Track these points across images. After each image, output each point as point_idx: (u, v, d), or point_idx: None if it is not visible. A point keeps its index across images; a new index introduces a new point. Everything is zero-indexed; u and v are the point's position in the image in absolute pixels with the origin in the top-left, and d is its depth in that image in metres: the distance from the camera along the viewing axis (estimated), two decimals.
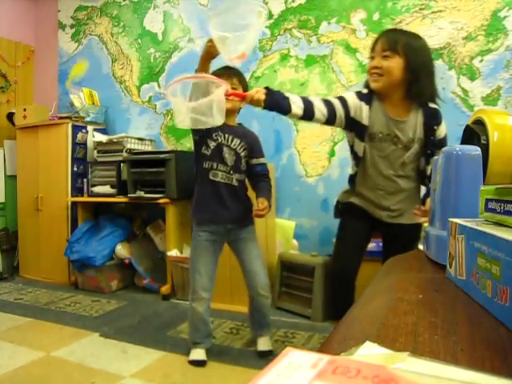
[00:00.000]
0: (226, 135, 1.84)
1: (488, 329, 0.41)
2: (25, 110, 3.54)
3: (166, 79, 3.49)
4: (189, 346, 1.93)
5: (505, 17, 2.42)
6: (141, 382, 1.78)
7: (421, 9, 2.61)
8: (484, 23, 2.47)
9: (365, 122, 1.55)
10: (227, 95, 1.43)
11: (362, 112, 1.55)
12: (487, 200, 0.56)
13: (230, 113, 1.76)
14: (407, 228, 1.61)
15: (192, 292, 1.88)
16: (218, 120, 1.38)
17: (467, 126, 0.84)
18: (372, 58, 1.54)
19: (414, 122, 1.54)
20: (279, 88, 3.02)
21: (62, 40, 4.03)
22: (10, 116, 3.67)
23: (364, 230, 1.67)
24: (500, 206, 0.52)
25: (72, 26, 3.97)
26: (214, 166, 1.83)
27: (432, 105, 1.55)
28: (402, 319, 0.45)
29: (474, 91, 2.50)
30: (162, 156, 2.90)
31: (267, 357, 1.90)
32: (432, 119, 1.54)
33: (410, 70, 1.48)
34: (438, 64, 2.57)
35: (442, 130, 1.56)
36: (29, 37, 4.10)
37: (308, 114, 1.50)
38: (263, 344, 1.97)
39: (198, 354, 1.88)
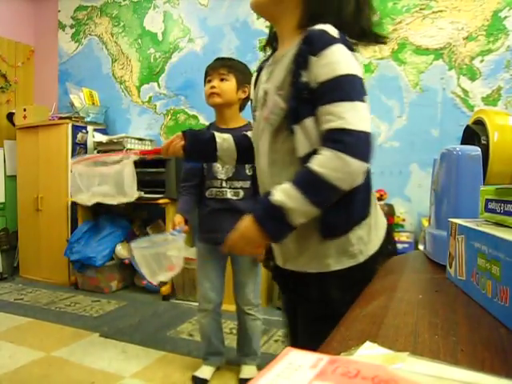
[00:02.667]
0: None
1: (488, 329, 0.41)
2: (25, 110, 3.54)
3: (166, 79, 3.50)
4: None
5: (505, 17, 2.42)
6: (141, 382, 1.78)
7: (421, 9, 2.61)
8: (484, 23, 2.47)
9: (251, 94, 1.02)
10: (140, 153, 1.27)
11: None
12: (487, 200, 0.56)
13: (223, 108, 1.63)
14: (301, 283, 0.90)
15: (198, 303, 1.84)
16: (132, 195, 1.32)
17: (467, 127, 0.84)
18: None
19: (288, 59, 0.82)
20: None
21: (61, 40, 4.03)
22: (10, 116, 3.67)
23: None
24: (500, 207, 0.52)
25: (72, 26, 3.97)
26: (214, 183, 1.65)
27: (319, 26, 0.78)
28: (402, 319, 0.45)
29: (475, 91, 2.50)
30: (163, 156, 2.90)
31: None
32: (304, 46, 0.78)
33: None
34: (439, 64, 2.58)
35: (320, 66, 0.76)
36: (29, 37, 4.10)
37: (244, 147, 1.07)
38: (247, 373, 1.77)
39: (202, 371, 1.81)
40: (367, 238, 0.85)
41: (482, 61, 2.48)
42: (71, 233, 3.24)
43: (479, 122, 0.79)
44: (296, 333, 0.96)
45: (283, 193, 0.74)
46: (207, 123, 1.89)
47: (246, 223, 0.78)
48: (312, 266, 0.84)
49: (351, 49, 0.80)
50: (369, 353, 0.30)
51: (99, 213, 3.39)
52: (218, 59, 1.70)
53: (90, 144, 3.42)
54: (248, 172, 1.64)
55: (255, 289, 1.76)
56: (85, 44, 3.90)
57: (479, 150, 0.68)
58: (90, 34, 3.88)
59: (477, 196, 0.59)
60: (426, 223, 2.30)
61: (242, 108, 1.70)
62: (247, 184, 1.64)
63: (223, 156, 1.09)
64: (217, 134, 1.08)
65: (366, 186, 0.83)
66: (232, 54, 3.18)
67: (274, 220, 0.75)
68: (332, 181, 0.72)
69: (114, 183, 1.24)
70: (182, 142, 1.05)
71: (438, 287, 0.57)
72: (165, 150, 1.09)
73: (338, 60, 0.76)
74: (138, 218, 3.37)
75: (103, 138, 3.31)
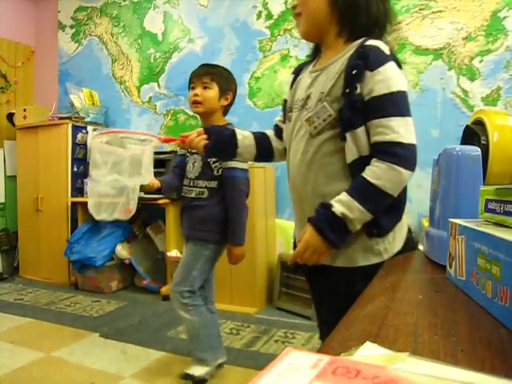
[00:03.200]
0: None
1: (488, 329, 0.41)
2: (25, 110, 3.54)
3: (165, 79, 3.50)
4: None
5: (504, 17, 2.42)
6: (141, 383, 1.78)
7: (421, 9, 2.61)
8: (484, 23, 2.47)
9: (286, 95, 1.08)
10: (163, 140, 1.25)
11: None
12: (487, 200, 0.56)
13: (206, 116, 1.66)
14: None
15: None
16: (147, 178, 1.27)
17: (467, 127, 0.84)
18: None
19: (337, 69, 0.89)
20: (279, 88, 3.04)
21: (62, 40, 4.03)
22: (10, 116, 3.67)
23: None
24: (500, 207, 0.52)
25: (72, 27, 3.97)
26: (185, 182, 1.72)
27: (371, 41, 0.87)
28: (402, 319, 0.45)
29: (474, 91, 2.50)
30: (162, 156, 2.90)
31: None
32: (357, 60, 0.86)
33: None
34: (438, 64, 2.58)
35: (375, 81, 0.84)
36: (29, 37, 4.10)
37: (264, 145, 1.14)
38: (193, 369, 1.71)
39: (199, 370, 1.74)
40: (392, 237, 0.90)
41: (481, 61, 2.48)
42: (71, 233, 3.24)
43: (479, 122, 0.79)
44: (324, 320, 1.03)
45: (343, 205, 0.82)
46: None
47: (310, 235, 0.84)
48: (340, 261, 0.91)
49: (399, 65, 0.87)
50: (369, 353, 0.30)
51: None
52: (203, 66, 1.71)
53: (89, 144, 3.42)
54: (215, 172, 1.64)
55: (193, 275, 1.65)
56: (85, 44, 3.90)
57: (479, 150, 0.68)
58: (90, 35, 3.88)
59: (477, 196, 0.59)
60: (426, 223, 2.30)
61: (225, 113, 1.73)
62: (213, 184, 1.64)
63: (243, 153, 1.12)
64: (237, 131, 1.11)
65: (404, 189, 0.90)
66: (232, 55, 3.19)
67: (337, 230, 0.83)
68: (387, 190, 0.81)
69: (131, 163, 1.24)
70: (205, 138, 1.07)
71: (437, 287, 0.57)
72: (188, 143, 1.10)
73: (391, 77, 0.84)
74: (138, 218, 3.37)
75: (103, 139, 3.31)
